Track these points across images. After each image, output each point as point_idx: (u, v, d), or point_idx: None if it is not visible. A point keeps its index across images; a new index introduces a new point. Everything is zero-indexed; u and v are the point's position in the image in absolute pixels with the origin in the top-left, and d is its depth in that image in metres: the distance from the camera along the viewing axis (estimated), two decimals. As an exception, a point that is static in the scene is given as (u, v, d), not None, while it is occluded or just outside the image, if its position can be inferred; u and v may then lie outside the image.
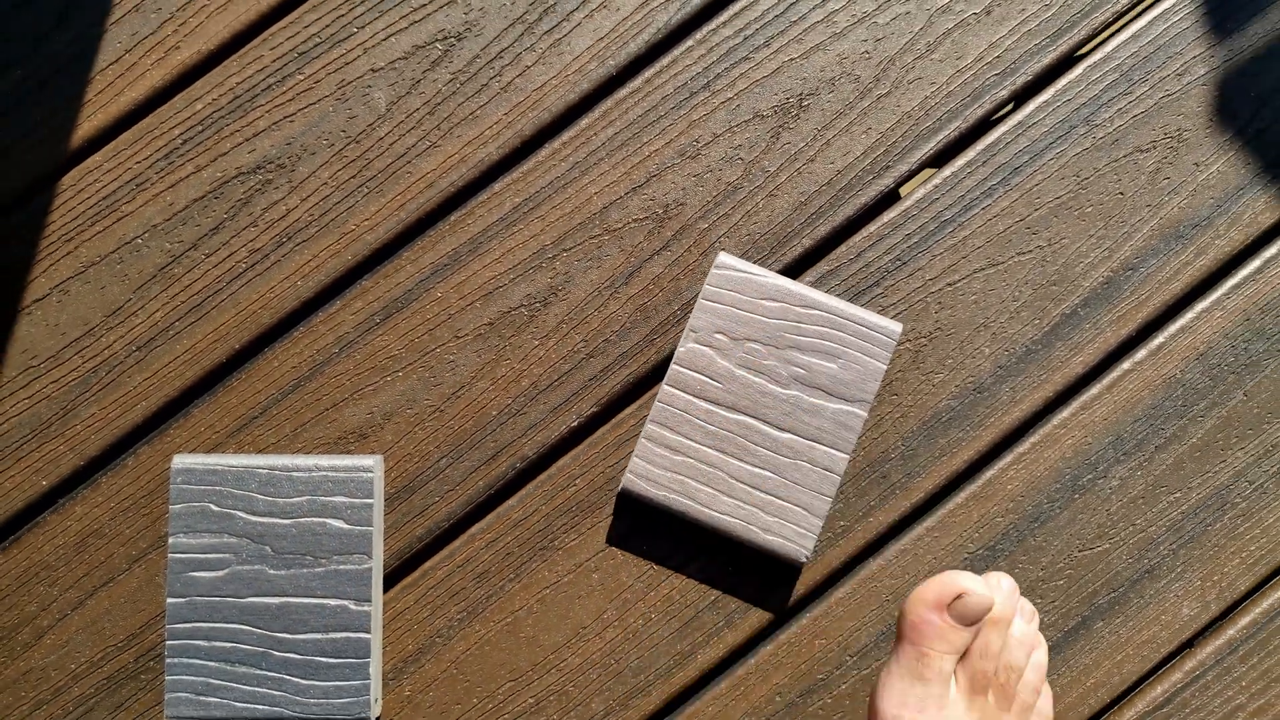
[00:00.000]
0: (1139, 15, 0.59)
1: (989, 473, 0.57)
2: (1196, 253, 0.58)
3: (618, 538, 0.57)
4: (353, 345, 0.57)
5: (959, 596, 0.45)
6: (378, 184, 0.58)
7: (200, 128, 0.58)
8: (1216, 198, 0.59)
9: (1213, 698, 0.56)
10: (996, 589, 0.45)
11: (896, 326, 0.55)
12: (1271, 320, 0.58)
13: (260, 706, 0.53)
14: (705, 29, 0.59)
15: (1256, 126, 0.59)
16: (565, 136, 0.59)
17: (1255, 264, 0.58)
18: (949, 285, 0.58)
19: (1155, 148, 0.59)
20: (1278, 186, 0.58)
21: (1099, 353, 0.58)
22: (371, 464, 0.54)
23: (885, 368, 0.55)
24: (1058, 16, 0.59)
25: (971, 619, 0.45)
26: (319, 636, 0.53)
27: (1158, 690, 0.56)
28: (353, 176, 0.58)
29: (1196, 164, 0.59)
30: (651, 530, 0.57)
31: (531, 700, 0.56)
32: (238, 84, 0.59)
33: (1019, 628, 0.48)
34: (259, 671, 0.53)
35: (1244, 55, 0.59)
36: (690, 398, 0.54)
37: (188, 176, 0.58)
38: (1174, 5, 0.59)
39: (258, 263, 0.58)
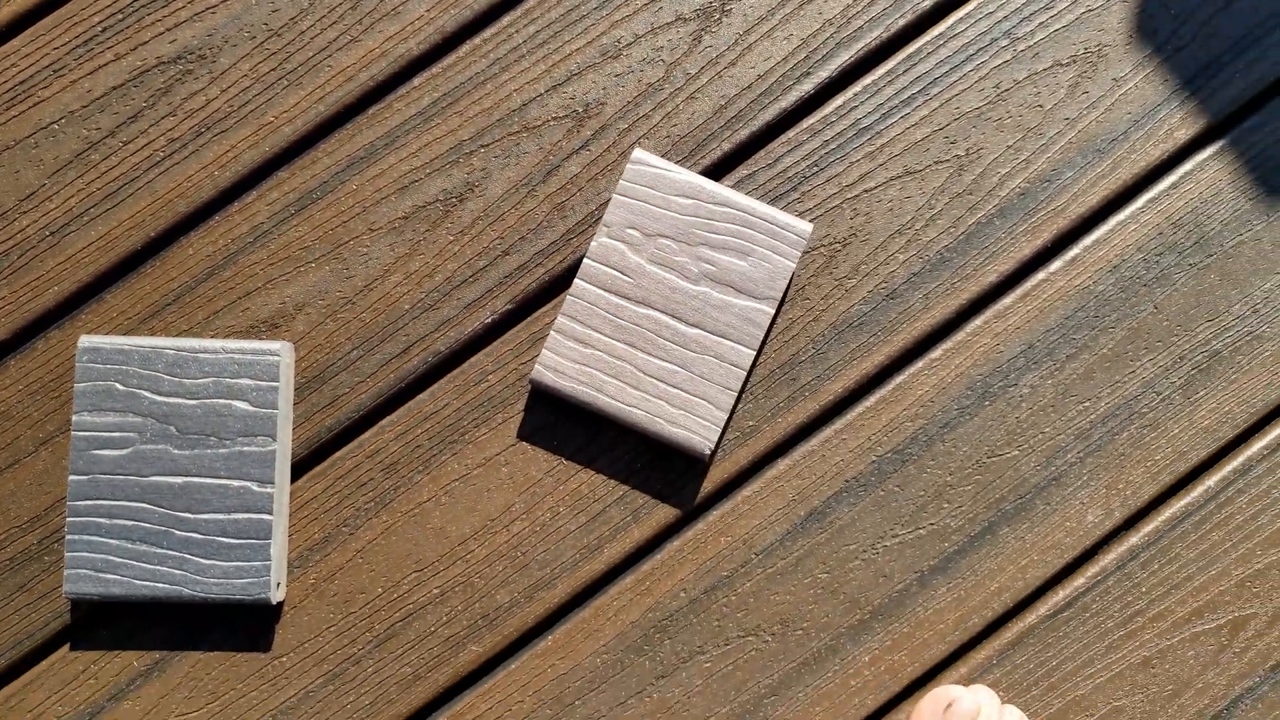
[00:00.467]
0: (1060, -74, 0.60)
1: (899, 378, 0.58)
2: (1113, 166, 0.59)
3: (528, 433, 0.57)
4: (267, 235, 0.57)
5: (950, 705, 0.51)
6: (297, 77, 0.58)
7: (121, 15, 0.58)
8: (1134, 113, 0.59)
9: (1112, 603, 0.57)
10: (979, 694, 0.52)
11: (806, 226, 0.55)
12: (1183, 235, 0.58)
13: (160, 585, 0.53)
14: (630, -69, 0.59)
15: (1175, 44, 0.59)
16: (487, 33, 0.59)
17: (1170, 179, 0.59)
18: (865, 191, 0.58)
19: (1075, 62, 0.59)
20: (1194, 103, 0.59)
21: (1013, 262, 0.58)
22: (279, 349, 0.54)
23: (794, 266, 0.55)
24: (978, -76, 0.59)
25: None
26: (221, 517, 0.53)
27: (1059, 595, 0.57)
28: (273, 69, 0.58)
29: (1115, 79, 0.59)
30: (562, 426, 0.57)
31: (436, 591, 0.56)
32: (160, -27, 0.58)
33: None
34: (160, 550, 0.53)
35: (1164, -30, 0.59)
36: (601, 292, 0.55)
37: (107, 64, 0.58)
38: (1096, -81, 0.60)
39: (175, 152, 0.58)
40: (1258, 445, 0.58)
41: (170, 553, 0.53)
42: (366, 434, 0.57)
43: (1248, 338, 0.58)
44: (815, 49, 0.59)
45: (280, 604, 0.55)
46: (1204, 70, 0.59)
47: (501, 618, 0.56)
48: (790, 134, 0.59)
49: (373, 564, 0.56)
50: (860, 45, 0.59)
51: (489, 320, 0.58)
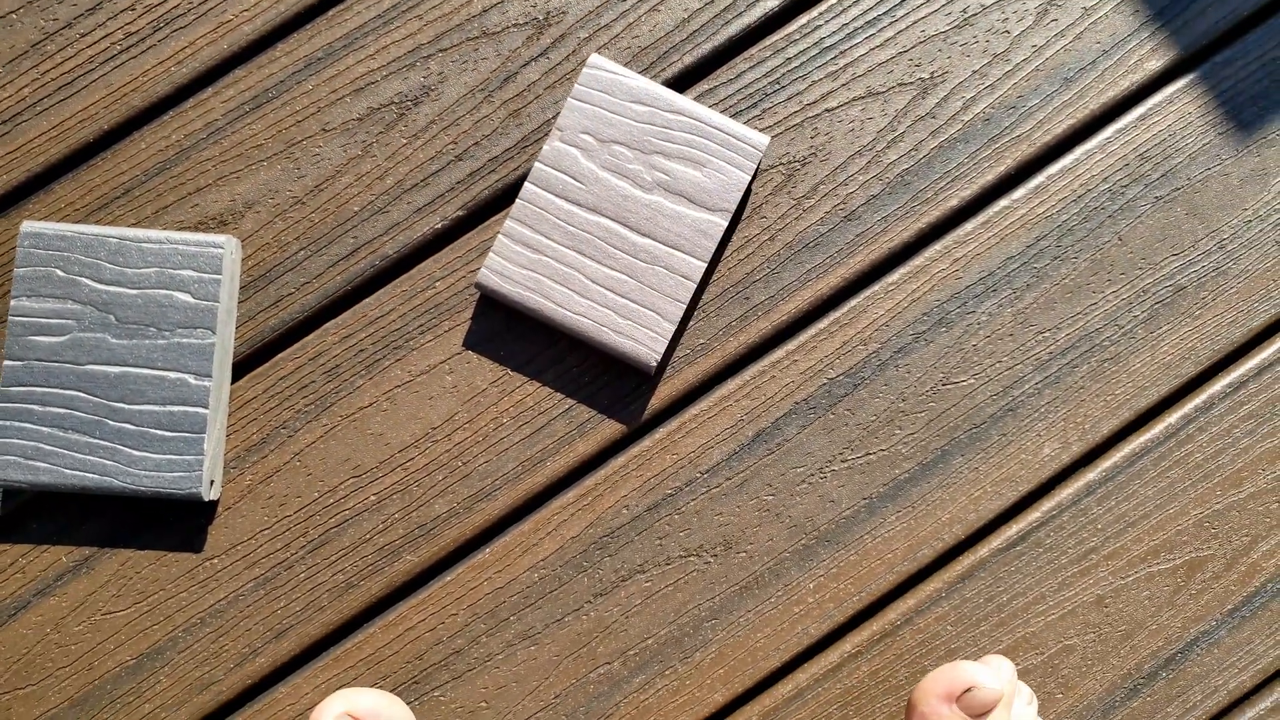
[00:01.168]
0: None
1: (854, 301, 0.57)
2: (1080, 95, 0.58)
3: (475, 342, 0.56)
4: (221, 132, 0.57)
5: (969, 689, 0.43)
6: (259, -23, 0.58)
7: (85, -90, 0.58)
8: (1103, 42, 0.58)
9: (1067, 538, 0.55)
10: (999, 674, 0.44)
11: (763, 138, 0.54)
12: (1150, 167, 0.57)
13: (90, 475, 0.52)
14: None
15: (1149, -25, 0.58)
16: (451, -60, 0.58)
17: (1139, 111, 0.58)
18: (826, 111, 0.57)
19: (1046, -10, 0.58)
20: (1165, 35, 0.58)
21: (975, 188, 0.57)
22: (223, 241, 0.53)
23: (748, 179, 0.54)
24: None
25: (981, 710, 0.43)
26: (156, 408, 0.52)
27: (1013, 529, 0.55)
28: (235, -32, 0.58)
29: (1085, 8, 0.58)
30: (509, 337, 0.56)
31: (373, 497, 0.55)
32: None
33: (1019, 710, 0.47)
34: (92, 440, 0.52)
35: (1138, -101, 0.58)
36: (552, 197, 0.54)
37: (69, -42, 0.58)
38: None
39: (133, 46, 0.57)
40: (1220, 383, 0.56)
41: (103, 443, 0.52)
42: (310, 336, 0.56)
43: (1213, 273, 0.57)
44: (782, -33, 0.58)
45: (214, 504, 0.54)
46: (1177, 1, 0.58)
47: (439, 528, 0.55)
48: (753, 50, 0.58)
49: (310, 468, 0.55)
50: (828, -35, 0.58)
51: (439, 226, 0.57)
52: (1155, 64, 0.58)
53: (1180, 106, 0.58)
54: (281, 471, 0.55)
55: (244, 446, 0.55)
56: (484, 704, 0.54)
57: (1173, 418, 0.56)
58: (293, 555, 0.55)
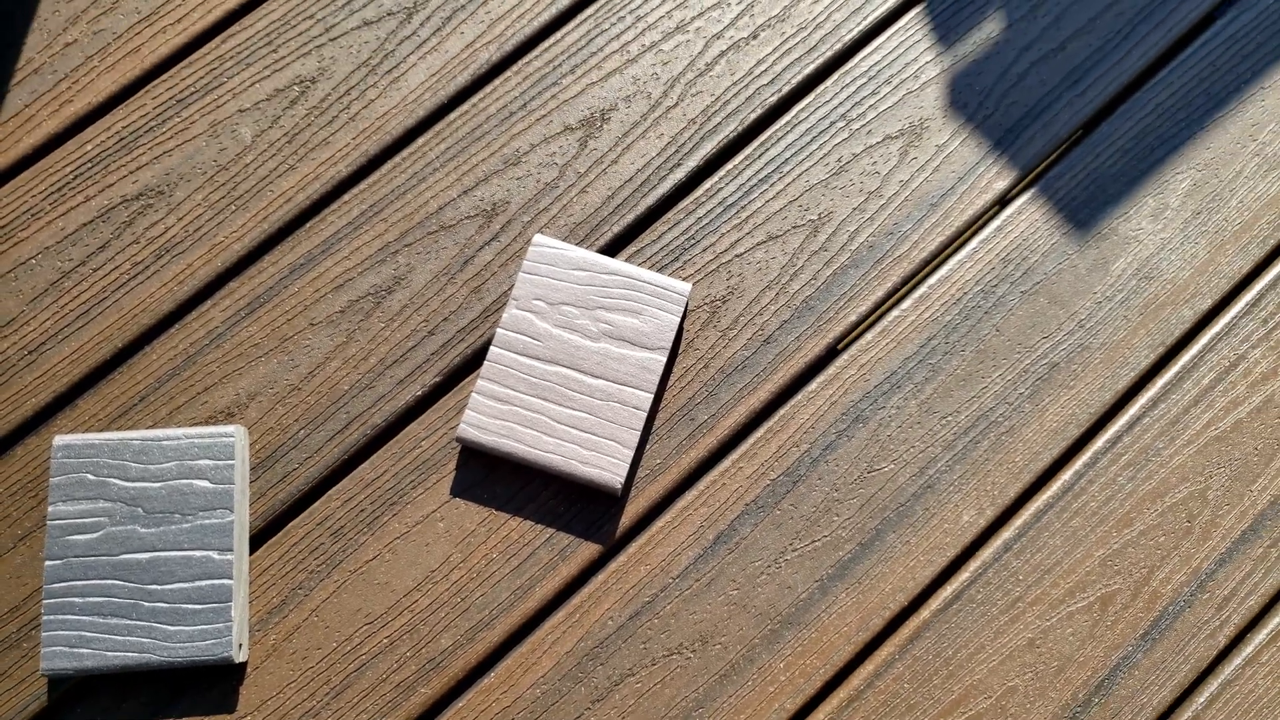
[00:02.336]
0: (880, 32, 0.73)
1: (783, 410, 0.66)
2: (945, 216, 0.70)
3: (461, 490, 0.64)
4: (221, 338, 0.66)
5: None
6: (244, 201, 0.68)
7: (89, 165, 0.69)
8: (957, 171, 0.70)
9: (995, 592, 0.64)
10: None
11: (685, 285, 0.65)
12: (1013, 267, 0.69)
13: (130, 654, 0.59)
14: (520, 62, 0.71)
15: (983, 114, 0.71)
16: (404, 154, 0.70)
17: (995, 223, 0.70)
18: (736, 256, 0.68)
19: (903, 135, 0.71)
20: (1005, 159, 0.71)
21: (869, 304, 0.68)
22: (233, 430, 0.62)
23: (679, 319, 0.64)
24: (812, 36, 0.72)
25: None
26: (185, 585, 0.60)
27: (948, 590, 0.64)
28: (222, 197, 0.68)
29: (938, 146, 0.71)
30: (491, 481, 0.65)
31: (385, 640, 0.62)
32: (123, 128, 0.69)
33: None
34: (129, 622, 0.59)
35: (967, 59, 0.72)
36: (515, 355, 0.64)
37: (77, 205, 0.68)
38: (908, 22, 0.73)
39: (139, 274, 0.67)
40: (1100, 440, 0.66)
41: (139, 623, 0.59)
42: (316, 504, 0.64)
43: (1079, 349, 0.68)
44: (683, 144, 0.70)
45: (244, 665, 0.61)
46: (1009, 133, 0.71)
47: (447, 660, 0.62)
48: (669, 215, 0.69)
49: (327, 621, 0.62)
50: (720, 137, 0.70)
51: (420, 393, 0.66)
52: (1002, 184, 0.70)
53: (1029, 216, 0.70)
54: (301, 628, 0.62)
55: (266, 610, 0.62)
56: (506, 816, 0.60)
57: (1066, 475, 0.66)
58: (318, 703, 0.61)
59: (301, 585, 0.63)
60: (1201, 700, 0.62)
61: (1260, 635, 0.63)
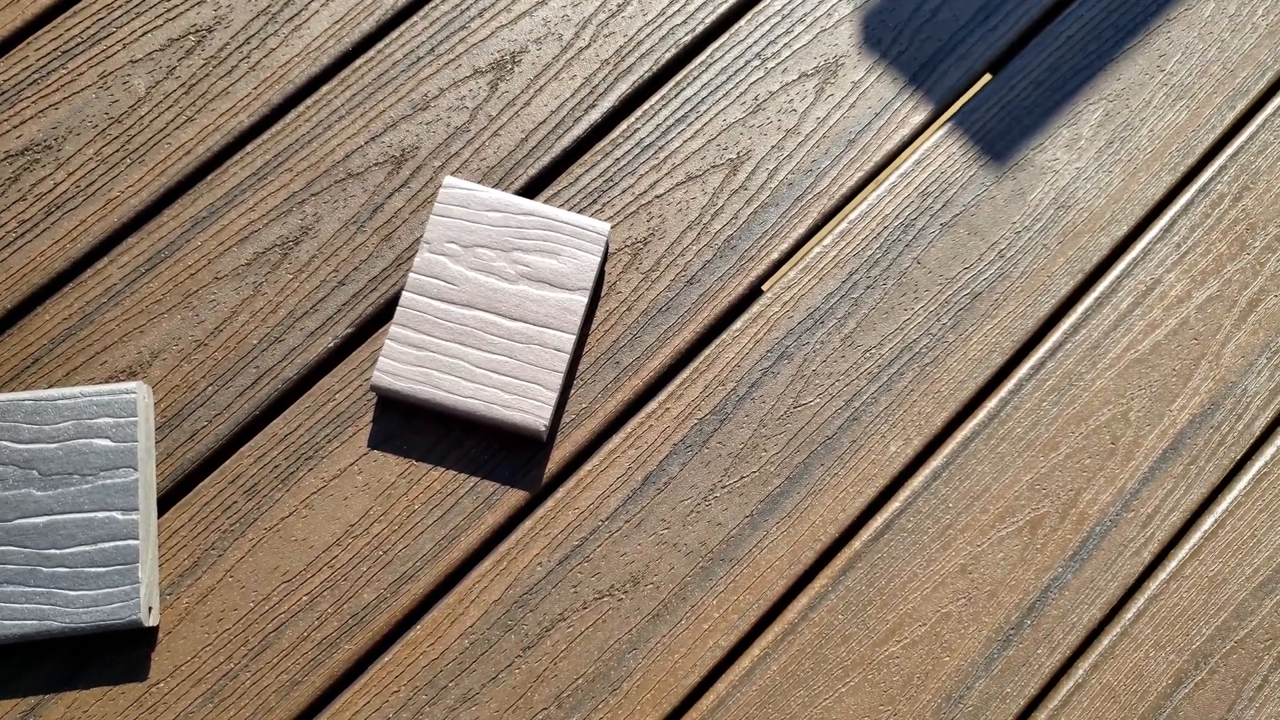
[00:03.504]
0: (783, -35, 0.73)
1: (708, 350, 0.66)
2: (863, 151, 0.70)
3: (379, 441, 0.63)
4: (120, 295, 0.64)
5: None
6: (139, 155, 0.66)
7: (-29, 120, 0.66)
8: (873, 107, 0.71)
9: (925, 520, 0.64)
10: None
11: (605, 226, 0.64)
12: (932, 200, 0.70)
13: (29, 622, 0.56)
14: (427, 7, 0.70)
15: (897, 49, 0.72)
16: (308, 102, 0.68)
17: (914, 157, 0.71)
18: (656, 197, 0.68)
19: (818, 72, 0.71)
20: (920, 94, 0.71)
21: (790, 241, 0.68)
22: (135, 387, 0.60)
23: (599, 260, 0.64)
24: (715, -31, 0.72)
25: None
26: (88, 548, 0.58)
27: (878, 520, 0.64)
28: (115, 151, 0.66)
29: (854, 82, 0.71)
30: (410, 431, 0.63)
31: (305, 597, 0.61)
32: (3, 81, 0.67)
33: None
34: (26, 589, 0.57)
35: (875, -8, 0.73)
36: (429, 300, 0.63)
37: (-41, 163, 0.65)
38: (813, -42, 0.73)
39: (27, 232, 0.65)
40: (1024, 367, 0.67)
41: (38, 589, 0.57)
42: (227, 462, 0.62)
43: (999, 278, 0.69)
44: (596, 85, 0.70)
45: (155, 631, 0.59)
46: (924, 68, 0.72)
47: (370, 615, 0.61)
48: (585, 157, 0.69)
49: (242, 581, 0.61)
50: (635, 78, 0.70)
51: (332, 345, 0.64)
52: (918, 118, 0.71)
53: (946, 149, 0.71)
54: (216, 589, 0.60)
55: (177, 573, 0.60)
56: (437, 771, 0.59)
57: (992, 402, 0.67)
58: (236, 665, 0.59)
59: (214, 546, 0.61)
60: (1129, 615, 0.64)
61: (1183, 550, 0.65)
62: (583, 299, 0.63)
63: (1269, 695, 0.63)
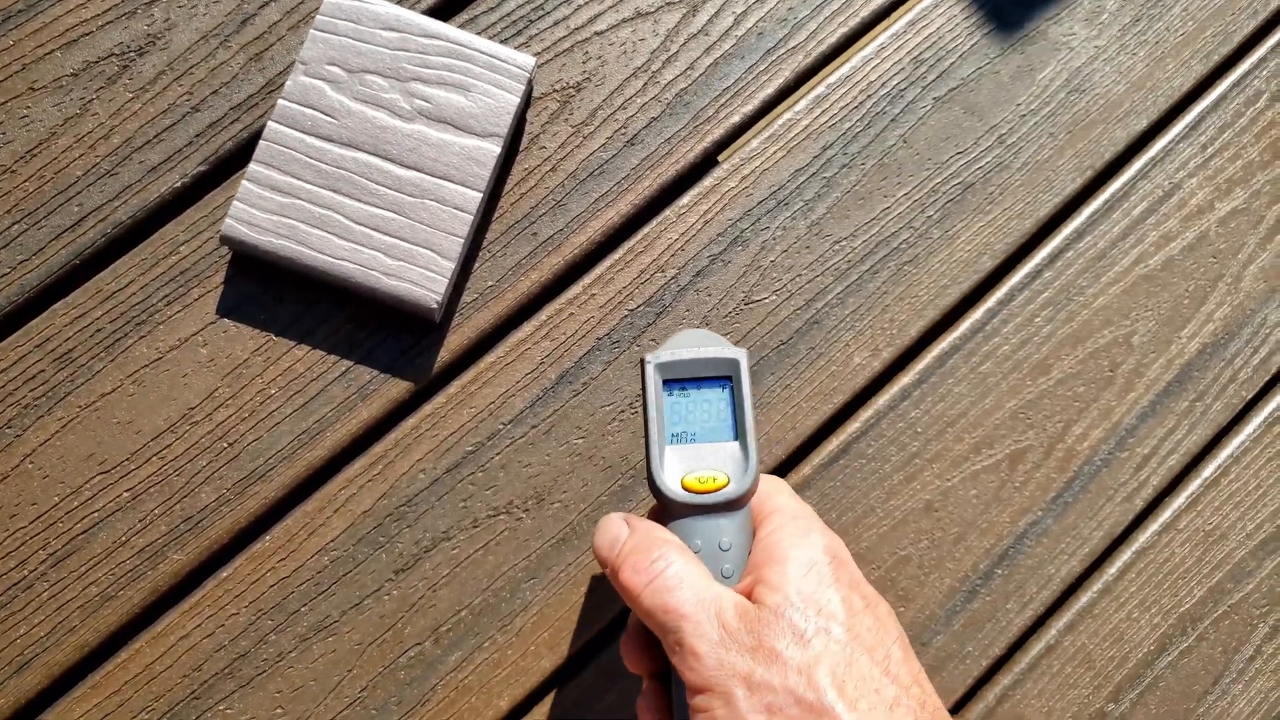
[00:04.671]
0: None
1: (647, 227, 0.55)
2: (849, 3, 0.59)
3: (230, 308, 0.52)
4: (-96, 100, 0.51)
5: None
6: (-61, -75, 0.52)
7: None
8: (865, -48, 0.59)
9: (888, 445, 0.55)
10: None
11: (528, 59, 0.52)
12: (926, 69, 0.59)
13: None
14: None
15: (900, -115, 0.60)
16: (165, -124, 0.55)
17: (908, 16, 0.60)
18: (596, 34, 0.56)
19: (803, -96, 0.59)
20: (923, -60, 0.60)
21: (756, 103, 0.57)
22: (-90, 215, 0.47)
23: (518, 100, 0.52)
24: None
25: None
26: None
27: (833, 443, 0.55)
28: (-91, -83, 0.52)
29: (844, -80, 0.60)
30: (270, 298, 0.52)
31: (126, 494, 0.49)
32: None
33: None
34: None
35: None
36: (300, 135, 0.50)
37: None
38: None
39: None
40: (1018, 274, 0.58)
41: None
42: (34, 321, 0.50)
43: (997, 168, 0.59)
44: (533, -109, 0.57)
45: (-75, 523, 0.48)
46: (929, -90, 0.60)
47: (208, 519, 0.50)
48: (512, -23, 0.56)
49: (46, 469, 0.49)
50: (581, -113, 0.58)
51: (179, 185, 0.52)
52: (916, -31, 0.60)
53: (947, 10, 0.60)
54: (10, 477, 0.49)
55: (-39, 454, 0.49)
56: (279, 710, 0.49)
57: (977, 313, 0.57)
58: (31, 573, 0.48)
59: (11, 424, 0.49)
60: (1113, 570, 0.55)
61: (1179, 499, 0.57)
62: (495, 148, 0.52)
63: (1260, 668, 0.55)
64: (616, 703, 0.51)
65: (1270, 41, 0.62)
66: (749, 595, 0.38)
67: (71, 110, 0.52)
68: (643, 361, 0.41)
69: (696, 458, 0.40)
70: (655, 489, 0.40)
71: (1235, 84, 0.62)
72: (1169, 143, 0.61)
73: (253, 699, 0.49)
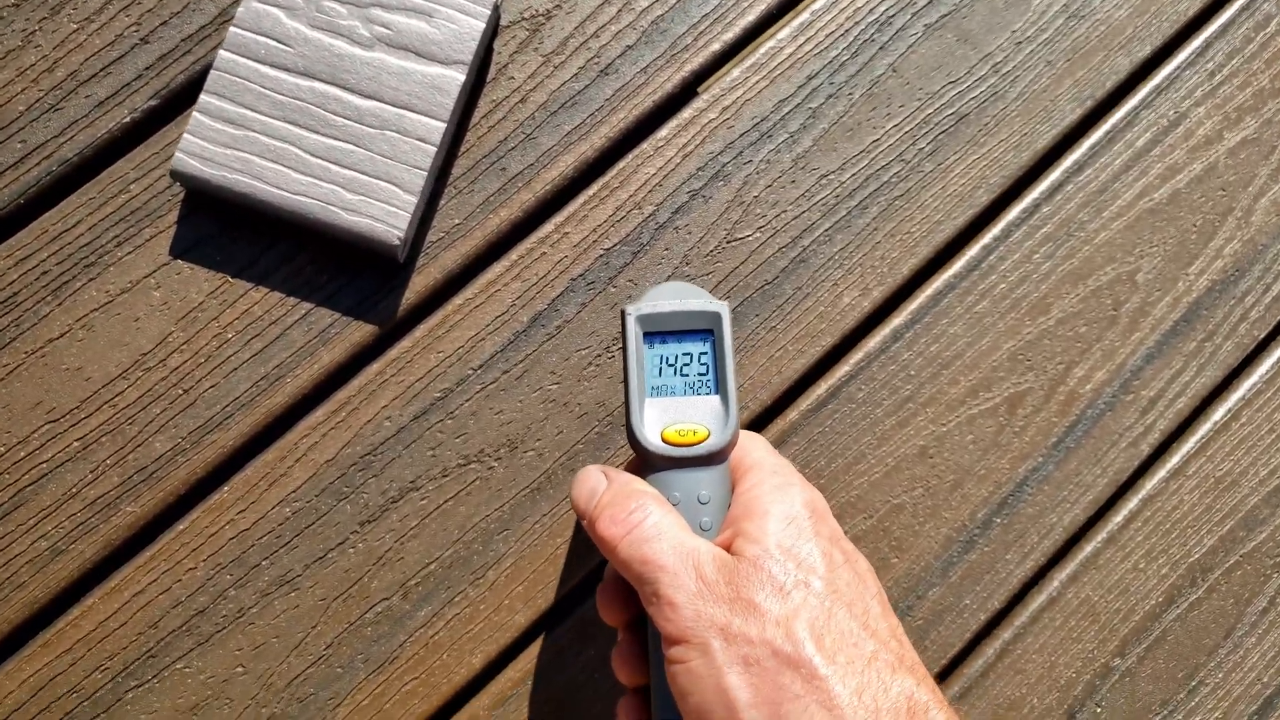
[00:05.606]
0: None
1: (623, 162, 0.53)
2: (834, -73, 0.57)
3: (185, 249, 0.50)
4: None
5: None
6: None
7: None
8: (852, -128, 0.57)
9: (880, 389, 0.53)
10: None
11: (495, -17, 0.50)
12: (916, -6, 0.56)
13: None
14: None
15: None
16: None
17: (896, -61, 0.57)
18: (568, -40, 0.54)
19: None
20: None
21: (738, 30, 0.55)
22: None
23: (484, 25, 0.50)
24: None
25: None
26: None
27: (821, 387, 0.53)
28: None
29: None
30: (226, 238, 0.50)
31: (76, 443, 0.48)
32: None
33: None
34: None
35: None
36: (253, 64, 0.48)
37: None
38: None
39: None
40: (1015, 209, 0.56)
41: None
42: (-23, 264, 0.48)
43: (992, 98, 0.56)
44: None
45: None
46: None
47: (163, 470, 0.48)
48: (478, -99, 0.54)
49: (-10, 419, 0.47)
50: None
51: (127, 120, 0.50)
52: (906, -110, 0.57)
53: (937, -67, 0.58)
54: (-47, 427, 0.47)
55: (-99, 403, 0.47)
56: (240, 668, 0.47)
57: (973, 250, 0.55)
58: (-23, 526, 0.47)
59: (-46, 371, 0.47)
60: (1119, 519, 0.53)
61: (1189, 444, 0.55)
62: (459, 76, 0.49)
63: (1275, 620, 0.53)
64: (594, 658, 0.49)
65: (1281, -37, 0.60)
66: (727, 548, 0.37)
67: (13, 43, 0.50)
68: (624, 313, 0.40)
69: (676, 410, 0.40)
70: (634, 441, 0.39)
71: (1244, 7, 0.59)
72: (1174, 70, 0.58)
73: (212, 656, 0.47)
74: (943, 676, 0.51)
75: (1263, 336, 0.56)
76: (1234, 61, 0.59)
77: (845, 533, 0.49)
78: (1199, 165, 0.57)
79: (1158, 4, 0.59)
